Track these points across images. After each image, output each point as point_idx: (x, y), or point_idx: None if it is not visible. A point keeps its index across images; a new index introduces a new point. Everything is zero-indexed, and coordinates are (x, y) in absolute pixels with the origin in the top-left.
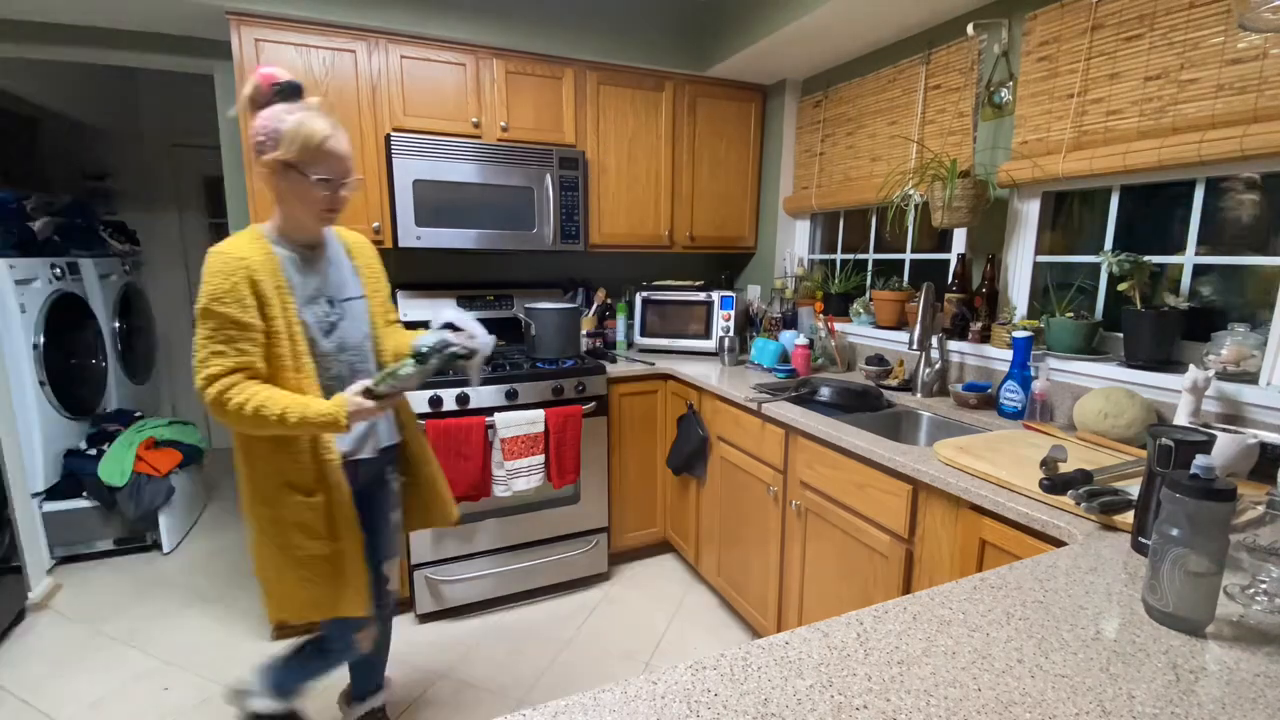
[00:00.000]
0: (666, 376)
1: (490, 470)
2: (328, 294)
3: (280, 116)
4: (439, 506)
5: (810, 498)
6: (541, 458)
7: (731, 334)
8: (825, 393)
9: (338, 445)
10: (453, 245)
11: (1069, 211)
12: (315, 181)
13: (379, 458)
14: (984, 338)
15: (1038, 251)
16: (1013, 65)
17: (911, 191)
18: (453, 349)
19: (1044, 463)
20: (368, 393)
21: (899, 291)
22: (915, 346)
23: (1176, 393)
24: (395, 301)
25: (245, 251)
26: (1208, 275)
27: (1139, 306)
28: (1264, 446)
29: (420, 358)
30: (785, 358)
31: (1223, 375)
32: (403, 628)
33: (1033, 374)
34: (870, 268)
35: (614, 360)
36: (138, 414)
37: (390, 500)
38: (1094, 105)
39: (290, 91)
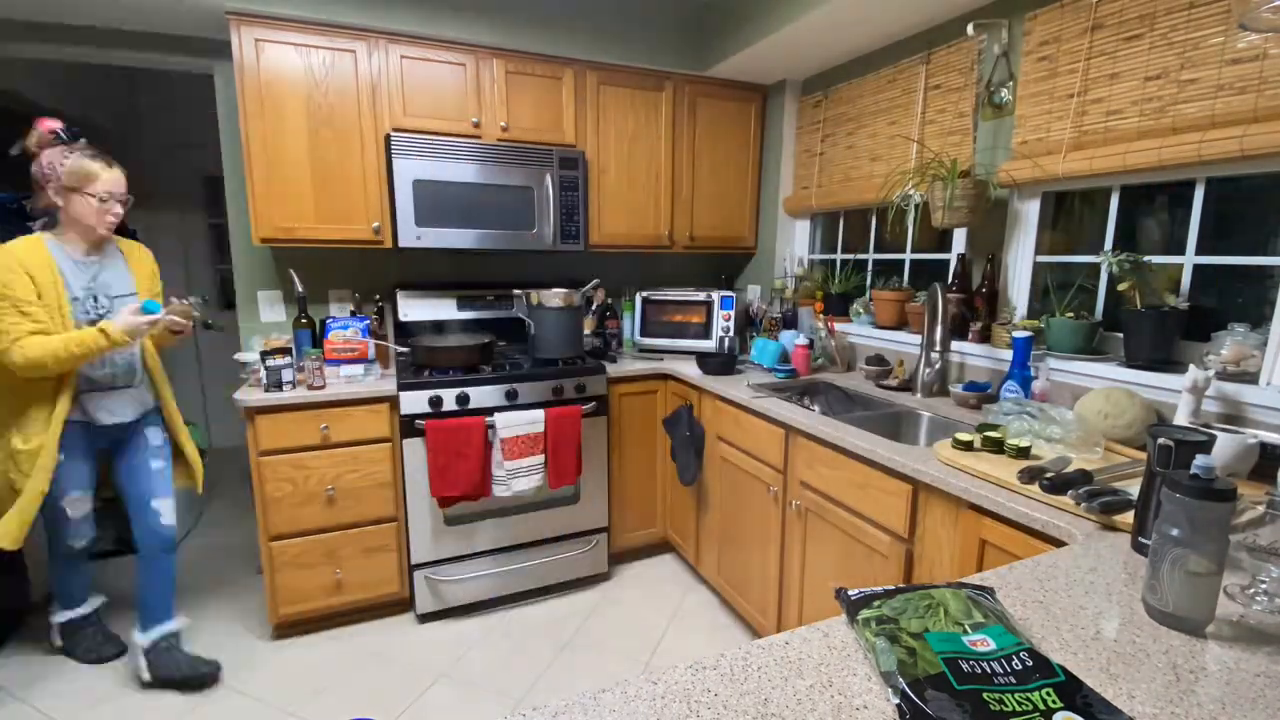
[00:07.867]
0: (666, 376)
1: (490, 470)
2: (96, 290)
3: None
4: (183, 469)
5: (810, 497)
6: (541, 458)
7: (732, 334)
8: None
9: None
10: (453, 245)
11: (1069, 211)
12: (89, 199)
13: (131, 422)
14: (984, 338)
15: (1038, 251)
16: (1013, 65)
17: (911, 191)
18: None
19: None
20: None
21: (899, 291)
22: (940, 348)
23: (1176, 393)
24: (396, 303)
25: (21, 253)
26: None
27: (1139, 306)
28: (1264, 446)
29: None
30: (785, 358)
31: (1223, 375)
32: (403, 627)
33: (1033, 374)
34: (870, 268)
35: (614, 360)
36: None
37: (148, 452)
38: (1094, 105)
39: (69, 138)
